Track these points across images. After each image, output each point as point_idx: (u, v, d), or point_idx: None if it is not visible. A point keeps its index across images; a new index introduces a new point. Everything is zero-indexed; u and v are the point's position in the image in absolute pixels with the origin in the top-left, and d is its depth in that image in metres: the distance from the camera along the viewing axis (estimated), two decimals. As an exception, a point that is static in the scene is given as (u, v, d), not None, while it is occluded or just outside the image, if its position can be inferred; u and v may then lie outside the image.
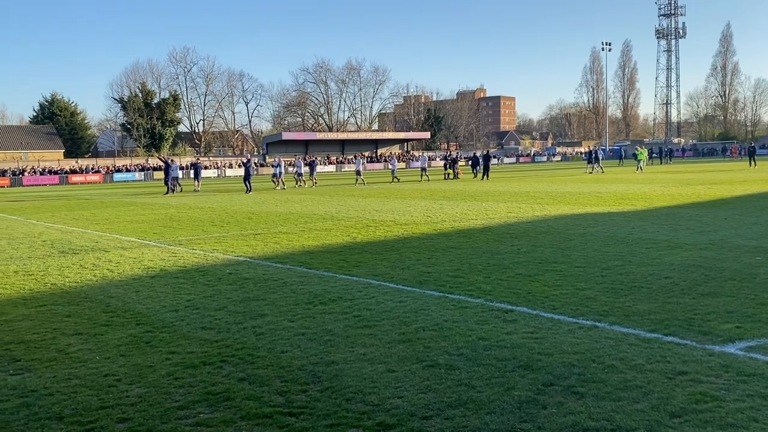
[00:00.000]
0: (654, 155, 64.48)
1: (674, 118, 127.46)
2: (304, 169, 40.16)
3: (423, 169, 41.31)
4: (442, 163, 45.24)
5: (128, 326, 6.93)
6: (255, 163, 37.37)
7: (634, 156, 48.29)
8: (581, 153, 70.38)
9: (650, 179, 33.79)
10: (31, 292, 8.96)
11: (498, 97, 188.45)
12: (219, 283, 9.19)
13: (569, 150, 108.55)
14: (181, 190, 35.60)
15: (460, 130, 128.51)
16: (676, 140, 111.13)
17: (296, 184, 39.06)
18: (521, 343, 5.85)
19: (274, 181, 37.18)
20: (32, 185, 59.78)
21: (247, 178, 33.43)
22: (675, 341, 5.81)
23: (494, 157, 77.70)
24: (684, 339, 5.86)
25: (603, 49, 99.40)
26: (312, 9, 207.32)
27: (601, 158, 53.13)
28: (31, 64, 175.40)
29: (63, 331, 6.81)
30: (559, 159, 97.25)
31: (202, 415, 4.51)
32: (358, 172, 39.50)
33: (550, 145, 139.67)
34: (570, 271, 9.15)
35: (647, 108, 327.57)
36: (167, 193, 34.13)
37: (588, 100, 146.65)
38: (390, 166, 42.67)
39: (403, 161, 79.66)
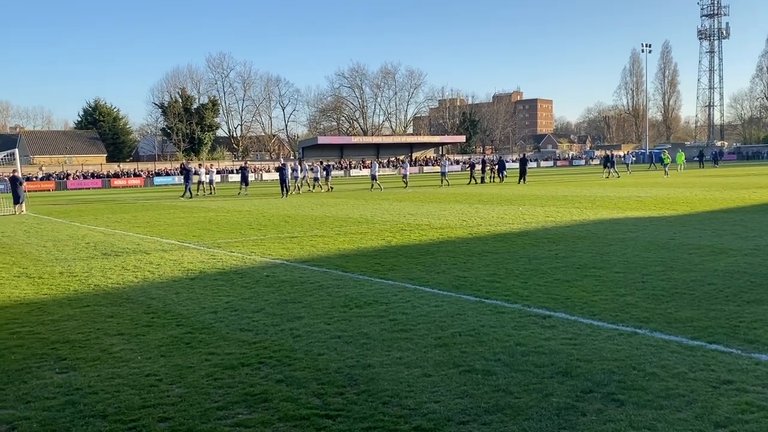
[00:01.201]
0: (695, 158, 63.05)
1: (717, 120, 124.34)
2: (321, 174, 40.16)
3: (443, 174, 41.08)
4: (479, 167, 44.67)
5: (169, 327, 7.06)
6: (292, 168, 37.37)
7: (660, 160, 47.12)
8: (621, 156, 69.14)
9: (692, 183, 33.02)
10: (75, 293, 9.21)
11: (535, 100, 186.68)
12: (256, 285, 9.30)
13: (615, 153, 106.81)
14: (212, 193, 36.26)
15: (496, 134, 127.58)
16: (719, 143, 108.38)
17: (311, 188, 39.09)
18: (559, 349, 5.77)
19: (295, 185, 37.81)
20: (76, 189, 61.43)
21: (283, 182, 33.75)
22: (719, 349, 5.67)
23: (531, 160, 76.94)
24: (729, 347, 5.71)
25: (643, 51, 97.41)
26: (347, 13, 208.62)
27: (628, 161, 52.11)
28: (75, 70, 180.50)
29: (106, 331, 6.98)
30: (598, 162, 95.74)
31: (240, 415, 4.57)
32: (373, 177, 39.38)
33: (588, 148, 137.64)
34: (609, 277, 9.00)
35: (689, 110, 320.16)
36: (183, 196, 34.72)
37: (627, 102, 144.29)
38: (402, 171, 42.38)
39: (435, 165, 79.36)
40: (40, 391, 5.19)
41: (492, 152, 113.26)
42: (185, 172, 36.50)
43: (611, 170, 43.85)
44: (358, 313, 7.37)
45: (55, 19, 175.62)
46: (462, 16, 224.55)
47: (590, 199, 23.92)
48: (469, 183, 41.09)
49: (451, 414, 4.44)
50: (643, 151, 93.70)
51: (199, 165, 50.63)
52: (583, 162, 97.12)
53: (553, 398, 4.66)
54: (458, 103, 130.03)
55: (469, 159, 55.97)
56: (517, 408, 4.50)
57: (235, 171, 68.29)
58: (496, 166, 45.05)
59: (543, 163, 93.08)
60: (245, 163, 47.58)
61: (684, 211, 18.20)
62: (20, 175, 28.63)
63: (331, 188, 38.98)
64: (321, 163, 47.23)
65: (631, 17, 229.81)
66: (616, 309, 7.17)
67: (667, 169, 44.01)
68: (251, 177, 68.19)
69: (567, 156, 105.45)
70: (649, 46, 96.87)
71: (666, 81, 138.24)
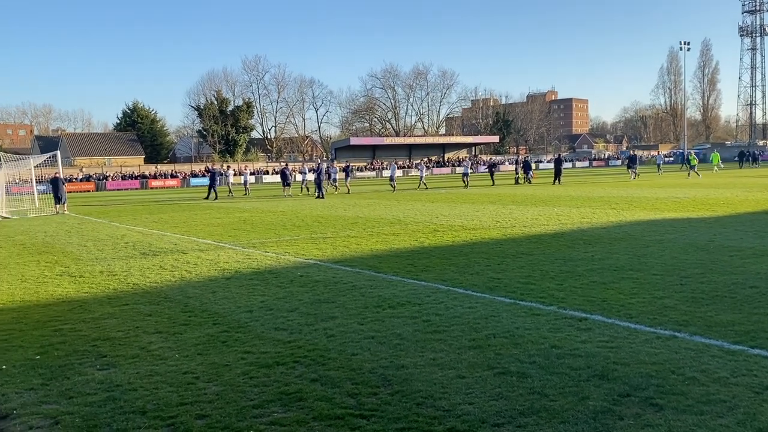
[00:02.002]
0: (735, 159, 61.44)
1: (759, 119, 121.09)
2: (340, 175, 39.95)
3: (465, 175, 40.61)
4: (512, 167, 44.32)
5: (205, 326, 7.17)
6: (326, 170, 37.21)
7: (687, 161, 45.81)
8: (659, 156, 67.83)
9: (732, 184, 32.22)
10: (115, 292, 9.42)
11: (570, 100, 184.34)
12: (291, 285, 9.38)
13: (645, 153, 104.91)
14: (247, 193, 36.69)
15: (530, 134, 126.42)
16: (761, 143, 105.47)
17: (335, 190, 38.88)
18: (596, 352, 5.69)
19: (331, 185, 38.02)
20: (115, 189, 62.81)
21: (318, 183, 33.95)
22: (762, 354, 5.52)
23: (566, 160, 75.93)
24: (772, 352, 5.56)
25: (681, 49, 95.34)
26: (380, 14, 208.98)
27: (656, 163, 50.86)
28: (114, 73, 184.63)
29: (145, 330, 7.13)
30: (627, 163, 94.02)
31: (276, 414, 4.62)
32: (391, 178, 39.15)
33: (624, 148, 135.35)
34: (647, 279, 8.84)
35: (729, 109, 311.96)
36: (207, 198, 35.11)
37: (665, 101, 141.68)
38: (418, 173, 41.81)
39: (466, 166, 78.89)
40: (82, 386, 5.33)
41: (526, 152, 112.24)
42: (211, 175, 37.20)
43: (633, 170, 42.91)
44: (391, 314, 7.38)
45: (96, 24, 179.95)
46: (495, 15, 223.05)
47: (627, 200, 23.53)
48: (492, 185, 40.62)
49: (486, 416, 4.42)
50: (681, 151, 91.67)
51: (228, 167, 51.46)
52: (619, 162, 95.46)
53: (589, 401, 4.60)
54: (491, 103, 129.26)
55: (490, 160, 55.32)
56: (553, 411, 4.46)
57: (274, 172, 69.26)
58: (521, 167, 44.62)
59: (578, 164, 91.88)
60: (286, 164, 47.70)
61: (724, 213, 17.77)
62: (62, 177, 29.46)
63: (349, 190, 38.54)
64: (332, 163, 47.23)
65: (669, 15, 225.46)
66: (654, 312, 7.04)
67: (694, 170, 42.73)
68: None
69: (603, 156, 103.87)
70: (688, 43, 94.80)
71: (705, 79, 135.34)
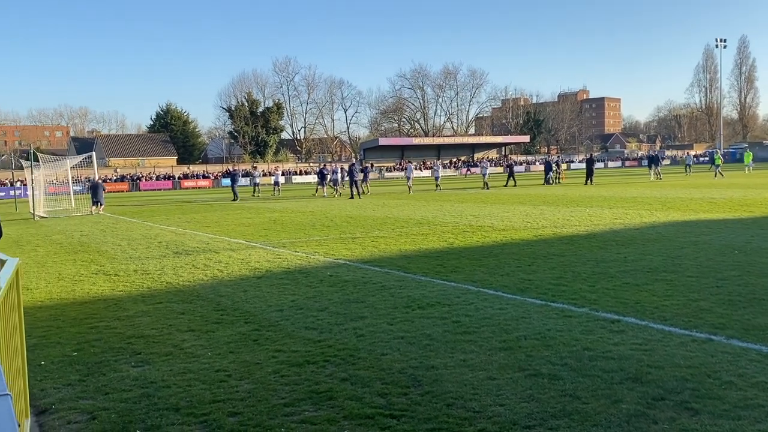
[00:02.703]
0: None
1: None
2: (358, 176, 39.39)
3: (484, 176, 39.88)
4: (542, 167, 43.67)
5: (237, 324, 7.26)
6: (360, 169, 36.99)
7: (712, 161, 44.57)
8: (693, 156, 66.31)
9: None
10: (149, 290, 9.58)
11: (602, 99, 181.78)
12: (320, 284, 9.44)
13: (679, 153, 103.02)
14: (270, 194, 36.97)
15: (561, 134, 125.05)
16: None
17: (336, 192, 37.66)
18: (629, 355, 5.61)
19: (331, 187, 37.88)
20: (148, 190, 63.92)
21: (353, 183, 33.97)
22: (802, 359, 5.37)
23: (598, 160, 74.84)
24: (813, 357, 5.41)
25: (717, 46, 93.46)
26: (409, 14, 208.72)
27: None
28: (147, 76, 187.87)
29: (178, 328, 7.24)
30: (668, 163, 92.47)
31: (306, 413, 4.66)
32: (408, 179, 38.80)
33: (658, 148, 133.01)
34: (682, 281, 8.68)
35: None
36: (234, 200, 35.24)
37: (700, 100, 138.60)
38: (435, 174, 41.41)
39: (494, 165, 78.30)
40: (118, 383, 5.43)
41: (557, 153, 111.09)
42: (231, 176, 37.69)
43: (655, 170, 41.94)
44: (421, 314, 7.37)
45: (130, 28, 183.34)
46: (525, 13, 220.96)
47: (660, 201, 23.12)
48: (506, 185, 39.84)
49: (517, 418, 4.39)
50: (714, 150, 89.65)
51: (254, 167, 51.98)
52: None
53: (622, 405, 4.53)
54: (522, 103, 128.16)
55: (508, 160, 54.51)
56: (585, 414, 4.41)
57: (304, 172, 69.92)
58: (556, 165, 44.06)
59: (610, 164, 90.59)
60: (323, 164, 47.63)
61: (762, 213, 17.34)
62: (101, 181, 30.27)
63: (364, 192, 37.45)
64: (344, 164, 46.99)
65: (704, 12, 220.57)
66: (689, 314, 6.91)
67: (718, 170, 41.66)
68: (313, 179, 69.32)
69: (636, 156, 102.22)
70: (724, 41, 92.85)
71: (743, 77, 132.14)
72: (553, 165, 44.49)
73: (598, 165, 74.43)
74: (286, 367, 5.68)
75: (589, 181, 38.66)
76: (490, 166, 53.17)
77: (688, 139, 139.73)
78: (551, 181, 41.92)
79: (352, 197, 32.80)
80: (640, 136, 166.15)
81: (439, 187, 39.34)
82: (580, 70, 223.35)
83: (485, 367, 5.46)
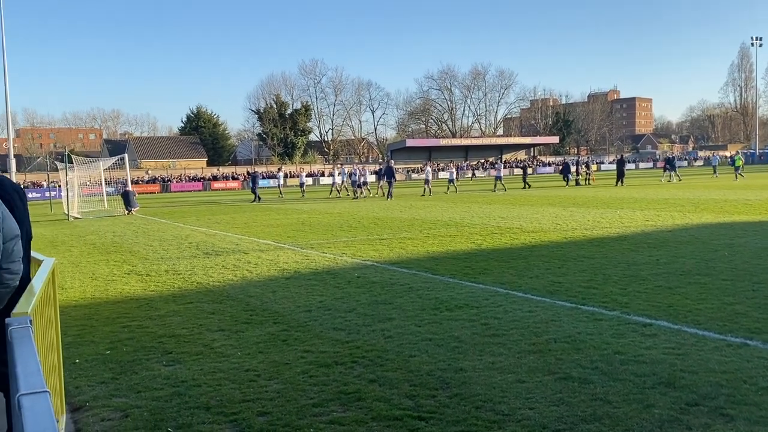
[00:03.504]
0: None
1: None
2: (371, 178, 39.06)
3: (497, 178, 38.88)
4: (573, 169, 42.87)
5: (266, 324, 7.32)
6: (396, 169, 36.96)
7: (732, 162, 43.31)
8: (726, 157, 64.83)
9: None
10: (180, 290, 9.72)
11: (633, 99, 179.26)
12: (348, 285, 9.46)
13: (710, 154, 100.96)
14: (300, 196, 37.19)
15: (591, 134, 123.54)
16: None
17: (359, 193, 37.06)
18: (662, 359, 5.51)
19: (341, 189, 38.32)
20: (179, 191, 64.83)
21: (390, 183, 33.99)
22: (843, 365, 5.22)
23: (629, 161, 73.70)
24: None
25: (753, 45, 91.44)
26: (437, 14, 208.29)
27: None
28: (178, 79, 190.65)
29: (208, 327, 7.32)
30: (702, 164, 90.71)
31: (335, 413, 4.67)
32: (426, 181, 37.78)
33: (691, 149, 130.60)
34: (716, 284, 8.50)
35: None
36: (254, 201, 35.42)
37: (735, 100, 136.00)
38: (448, 176, 39.96)
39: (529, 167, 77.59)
40: (150, 381, 5.52)
41: (587, 153, 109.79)
42: (252, 178, 37.97)
43: (672, 173, 40.93)
44: (449, 317, 7.34)
45: (161, 32, 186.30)
46: (555, 12, 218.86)
47: (693, 202, 22.69)
48: (523, 187, 39.35)
49: (547, 421, 4.34)
50: (753, 151, 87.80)
51: (279, 169, 52.47)
52: (685, 163, 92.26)
53: (654, 410, 4.46)
54: (551, 103, 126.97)
55: (522, 162, 53.65)
56: (616, 418, 4.34)
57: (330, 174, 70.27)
58: (582, 167, 43.39)
59: (641, 165, 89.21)
60: (354, 166, 47.28)
61: (800, 216, 16.91)
62: (131, 189, 30.88)
63: (373, 195, 37.31)
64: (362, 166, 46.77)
65: (739, 9, 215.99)
66: (724, 318, 6.77)
67: (738, 172, 40.53)
68: (339, 180, 69.64)
69: (668, 157, 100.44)
70: (760, 39, 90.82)
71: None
72: (582, 166, 43.99)
73: (629, 166, 73.38)
74: (315, 367, 5.71)
75: (619, 183, 38.15)
76: (517, 168, 52.51)
77: (722, 140, 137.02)
78: (579, 182, 41.46)
79: (389, 197, 32.83)
80: (672, 136, 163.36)
81: (449, 189, 38.24)
82: (610, 69, 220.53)
83: (514, 370, 5.41)
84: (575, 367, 5.40)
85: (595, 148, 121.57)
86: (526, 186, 40.12)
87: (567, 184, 40.32)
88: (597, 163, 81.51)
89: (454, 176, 40.16)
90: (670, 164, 41.76)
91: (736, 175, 40.79)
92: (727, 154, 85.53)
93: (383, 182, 35.93)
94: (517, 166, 71.73)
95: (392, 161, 39.79)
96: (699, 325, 6.57)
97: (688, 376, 5.09)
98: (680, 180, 40.39)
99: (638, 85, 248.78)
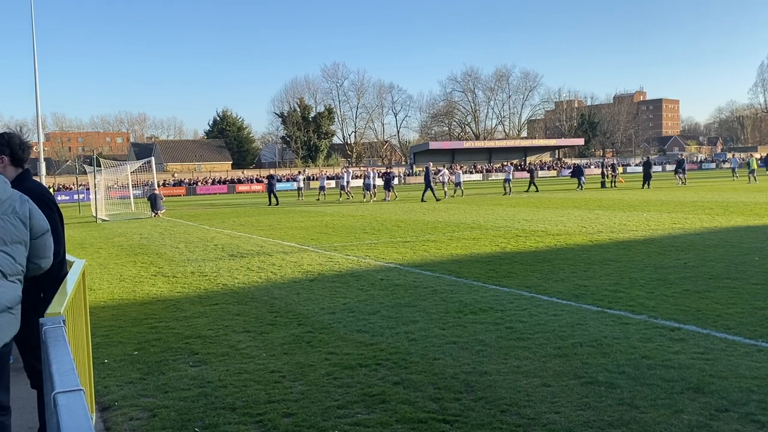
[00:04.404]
0: None
1: None
2: (378, 182, 38.69)
3: (506, 181, 38.15)
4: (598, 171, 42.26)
5: (290, 326, 7.36)
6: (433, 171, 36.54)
7: (747, 164, 42.21)
8: (759, 159, 63.38)
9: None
10: (205, 292, 9.82)
11: (660, 100, 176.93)
12: (372, 288, 9.48)
13: (742, 156, 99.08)
14: (326, 198, 37.26)
15: (617, 136, 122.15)
16: None
17: (366, 198, 36.77)
18: (690, 364, 5.43)
19: (347, 192, 38.55)
20: (204, 194, 65.54)
21: (428, 185, 33.92)
22: None
23: (655, 164, 72.67)
24: None
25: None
26: (460, 16, 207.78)
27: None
28: (204, 83, 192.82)
29: (233, 329, 7.39)
30: (731, 165, 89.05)
31: (359, 415, 4.68)
32: (443, 184, 37.41)
33: (719, 150, 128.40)
34: (746, 289, 8.35)
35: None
36: (275, 204, 35.43)
37: (765, 100, 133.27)
38: (455, 179, 38.98)
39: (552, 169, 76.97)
40: (177, 382, 5.58)
41: (612, 155, 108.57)
42: (269, 181, 38.23)
43: (681, 176, 39.96)
44: (473, 320, 7.32)
45: (187, 37, 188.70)
46: (580, 13, 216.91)
47: (722, 205, 22.31)
48: (527, 190, 38.85)
49: (573, 426, 4.30)
50: (751, 154, 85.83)
51: (299, 173, 52.86)
52: (713, 165, 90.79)
53: (683, 415, 4.39)
54: (576, 105, 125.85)
55: (529, 165, 52.56)
56: (644, 423, 4.29)
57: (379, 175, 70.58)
58: (608, 169, 42.77)
59: (668, 167, 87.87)
60: (389, 168, 47.04)
61: (833, 219, 16.52)
62: (159, 191, 31.37)
63: (385, 198, 36.56)
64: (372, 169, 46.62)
65: (766, 8, 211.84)
66: (755, 323, 6.64)
67: (753, 175, 39.56)
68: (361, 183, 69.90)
69: (695, 159, 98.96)
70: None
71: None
72: (608, 168, 43.50)
73: (656, 168, 72.27)
74: (339, 369, 5.73)
75: (646, 185, 37.67)
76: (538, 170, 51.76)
77: (751, 141, 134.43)
78: (605, 185, 40.99)
79: (445, 197, 32.67)
80: (700, 138, 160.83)
81: (455, 193, 37.50)
82: (636, 70, 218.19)
83: (540, 373, 5.38)
84: (601, 372, 5.34)
85: (620, 150, 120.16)
86: (530, 189, 39.26)
87: (580, 188, 38.97)
88: (623, 165, 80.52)
89: (445, 180, 38.36)
90: (679, 166, 41.05)
91: (749, 178, 39.99)
92: (757, 156, 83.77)
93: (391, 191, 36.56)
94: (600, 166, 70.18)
95: (391, 169, 39.56)
96: (729, 329, 6.45)
97: (717, 381, 5.01)
98: (683, 184, 39.53)
99: (665, 86, 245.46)
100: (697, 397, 4.71)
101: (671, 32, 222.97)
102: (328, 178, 44.51)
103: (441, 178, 37.74)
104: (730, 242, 12.81)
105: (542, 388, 5.02)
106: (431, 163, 39.85)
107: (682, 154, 63.14)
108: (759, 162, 41.48)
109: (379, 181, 38.41)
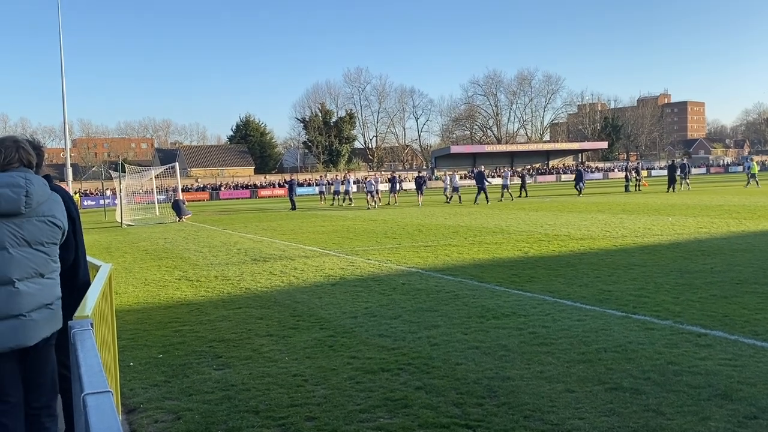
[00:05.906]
0: None
1: None
2: (382, 187, 38.27)
3: (504, 186, 37.81)
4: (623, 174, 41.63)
5: (313, 330, 7.39)
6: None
7: (748, 168, 41.10)
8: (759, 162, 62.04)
9: None
10: (229, 296, 9.90)
11: (684, 103, 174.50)
12: (393, 292, 9.48)
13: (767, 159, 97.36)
14: (340, 203, 37.36)
15: (641, 139, 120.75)
16: None
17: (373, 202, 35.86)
18: (718, 370, 5.34)
19: (346, 198, 38.57)
20: (227, 198, 66.12)
21: (455, 189, 33.96)
22: None
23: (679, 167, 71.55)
24: None
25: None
26: (481, 20, 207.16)
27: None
28: (226, 90, 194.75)
29: (256, 332, 7.44)
30: (759, 169, 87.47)
31: (382, 419, 4.68)
32: (455, 189, 36.84)
33: (746, 153, 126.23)
34: (775, 294, 8.19)
35: None
36: (293, 209, 35.47)
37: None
38: (453, 184, 37.97)
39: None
40: (201, 385, 5.64)
41: (636, 159, 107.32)
42: (289, 185, 38.40)
43: (683, 180, 39.05)
44: (496, 325, 7.28)
45: (210, 44, 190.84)
46: (602, 15, 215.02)
47: (749, 209, 21.92)
48: (519, 195, 38.39)
49: (597, 432, 4.26)
50: (751, 158, 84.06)
51: (320, 177, 53.18)
52: (740, 168, 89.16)
53: (710, 422, 4.32)
54: (599, 108, 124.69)
55: (522, 170, 51.53)
56: (670, 430, 4.23)
57: (408, 180, 70.87)
58: (632, 173, 42.19)
59: (694, 170, 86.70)
60: (420, 172, 46.26)
61: None
62: (181, 197, 31.75)
63: (386, 203, 36.70)
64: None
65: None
66: (784, 329, 6.51)
67: (754, 179, 38.60)
68: (385, 186, 69.94)
69: (721, 162, 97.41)
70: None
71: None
72: (632, 171, 43.00)
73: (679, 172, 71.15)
74: (361, 373, 5.74)
75: (671, 189, 37.18)
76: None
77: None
78: (629, 189, 40.55)
79: (484, 202, 32.68)
80: (727, 141, 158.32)
81: (454, 199, 36.95)
82: (660, 73, 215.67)
83: (563, 379, 5.33)
84: (626, 377, 5.28)
85: (645, 154, 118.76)
86: (521, 194, 38.68)
87: (579, 194, 37.36)
88: (647, 168, 79.58)
89: (457, 185, 38.08)
90: (682, 170, 40.17)
91: (747, 182, 39.07)
92: (757, 158, 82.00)
93: (395, 193, 37.02)
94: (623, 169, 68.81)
95: (396, 173, 39.51)
96: (757, 335, 6.34)
97: (746, 388, 4.92)
98: (684, 188, 38.81)
99: (690, 88, 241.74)
100: (725, 404, 4.64)
101: (696, 34, 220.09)
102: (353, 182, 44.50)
103: (454, 183, 37.51)
104: (759, 247, 12.59)
105: (566, 394, 4.98)
106: (483, 166, 39.61)
107: (684, 159, 61.93)
108: (759, 166, 40.17)
109: (383, 186, 38.27)
